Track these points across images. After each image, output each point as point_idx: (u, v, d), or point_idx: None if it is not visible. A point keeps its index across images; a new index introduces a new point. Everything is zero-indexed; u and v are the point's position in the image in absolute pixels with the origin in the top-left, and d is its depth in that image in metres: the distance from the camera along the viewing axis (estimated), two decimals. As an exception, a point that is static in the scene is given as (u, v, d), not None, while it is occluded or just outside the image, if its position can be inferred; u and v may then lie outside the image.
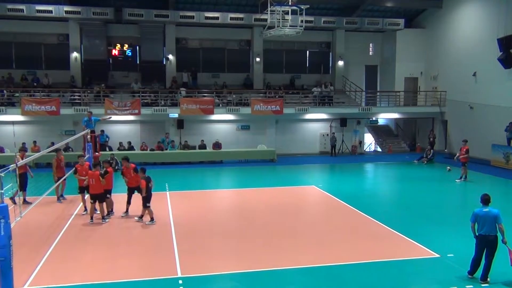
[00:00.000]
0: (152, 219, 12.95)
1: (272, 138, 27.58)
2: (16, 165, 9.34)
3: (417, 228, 12.42)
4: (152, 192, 13.14)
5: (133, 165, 13.73)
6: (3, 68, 26.41)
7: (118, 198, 14.31)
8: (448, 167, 20.77)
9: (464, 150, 19.38)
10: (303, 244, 11.20)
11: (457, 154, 19.84)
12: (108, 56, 27.88)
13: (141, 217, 13.11)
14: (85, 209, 14.06)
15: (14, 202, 13.90)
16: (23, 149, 18.08)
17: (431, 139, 27.42)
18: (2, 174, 8.16)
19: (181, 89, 26.74)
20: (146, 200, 12.86)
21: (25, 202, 14.25)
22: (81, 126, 19.22)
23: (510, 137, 22.78)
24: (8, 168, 8.86)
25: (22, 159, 14.91)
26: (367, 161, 26.41)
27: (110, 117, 22.21)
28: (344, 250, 10.74)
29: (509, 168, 22.28)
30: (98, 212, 13.27)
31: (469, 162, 19.68)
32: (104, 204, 13.21)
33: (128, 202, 13.72)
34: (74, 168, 14.49)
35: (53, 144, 21.96)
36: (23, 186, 14.59)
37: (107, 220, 13.09)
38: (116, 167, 20.16)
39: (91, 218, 13.04)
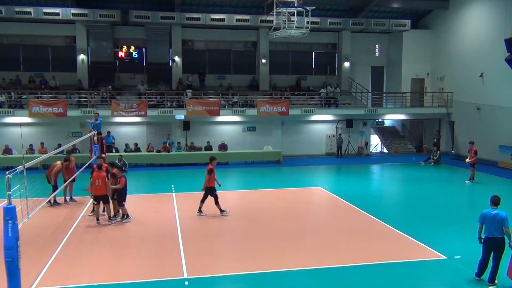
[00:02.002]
0: (126, 216, 13.23)
1: (278, 140, 27.55)
2: (24, 166, 9.38)
3: (424, 229, 12.36)
4: (159, 193, 13.21)
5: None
6: (11, 70, 26.61)
7: (133, 199, 14.44)
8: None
9: (473, 151, 19.29)
10: (309, 246, 11.17)
11: (468, 159, 19.63)
12: (114, 58, 27.99)
13: (123, 216, 13.27)
14: (93, 210, 14.14)
15: (57, 203, 14.84)
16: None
17: (435, 139, 27.33)
18: (10, 176, 8.21)
19: (187, 90, 26.82)
20: (123, 199, 13.09)
21: (56, 203, 15.19)
22: (88, 127, 19.33)
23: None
24: (16, 169, 8.92)
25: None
26: (373, 163, 26.33)
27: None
28: (350, 252, 10.71)
29: (517, 170, 22.14)
30: (105, 213, 13.33)
31: (477, 163, 19.59)
32: (111, 205, 13.23)
33: (202, 201, 14.02)
34: (92, 169, 14.61)
35: (60, 145, 22.10)
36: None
37: (113, 221, 13.13)
38: (124, 168, 20.21)
39: (97, 219, 13.09)
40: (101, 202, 13.08)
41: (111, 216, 13.19)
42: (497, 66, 23.48)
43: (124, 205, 13.18)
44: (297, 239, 11.73)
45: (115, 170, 13.54)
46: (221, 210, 13.94)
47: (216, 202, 13.81)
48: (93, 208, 14.16)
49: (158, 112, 25.09)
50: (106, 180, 12.94)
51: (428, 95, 29.69)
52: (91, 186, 13.31)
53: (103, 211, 13.42)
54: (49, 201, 14.70)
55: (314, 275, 9.33)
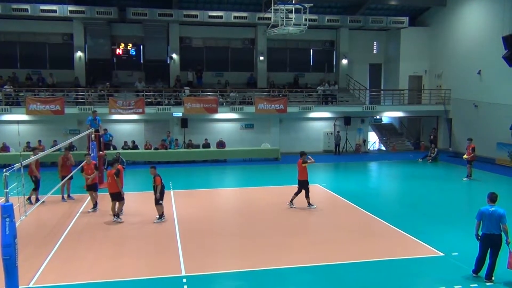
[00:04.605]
0: (160, 216, 13.02)
1: (276, 137, 27.57)
2: (21, 164, 9.36)
3: (422, 226, 12.40)
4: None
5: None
6: (8, 68, 26.51)
7: (131, 197, 14.38)
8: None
9: (471, 148, 19.32)
10: (307, 243, 11.20)
11: (466, 155, 19.63)
12: (112, 56, 27.95)
13: (161, 215, 13.09)
14: (93, 207, 14.16)
15: (31, 202, 14.16)
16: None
17: (432, 136, 27.39)
18: (8, 173, 8.19)
19: (185, 88, 26.78)
20: (160, 197, 12.91)
21: (37, 201, 14.43)
22: (86, 125, 19.29)
23: (515, 135, 22.70)
24: (13, 167, 8.90)
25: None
26: (371, 160, 26.35)
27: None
28: (348, 249, 10.73)
29: (514, 167, 22.19)
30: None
31: (474, 160, 19.63)
32: (120, 202, 13.09)
33: (296, 194, 14.64)
34: (80, 166, 14.62)
35: (55, 142, 22.09)
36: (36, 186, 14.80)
37: (118, 219, 12.97)
38: (123, 166, 20.19)
39: (114, 215, 13.01)
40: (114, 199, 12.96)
41: (119, 213, 13.06)
42: (495, 63, 23.50)
43: (161, 203, 12.96)
44: (295, 236, 11.75)
45: (120, 167, 13.52)
46: (309, 204, 14.54)
47: (307, 195, 14.50)
48: (94, 205, 14.19)
49: (156, 109, 25.06)
50: (116, 178, 12.81)
51: (426, 93, 29.71)
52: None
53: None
54: (34, 199, 14.58)
55: (311, 272, 9.35)
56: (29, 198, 14.44)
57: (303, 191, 14.54)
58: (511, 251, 8.61)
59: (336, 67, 31.01)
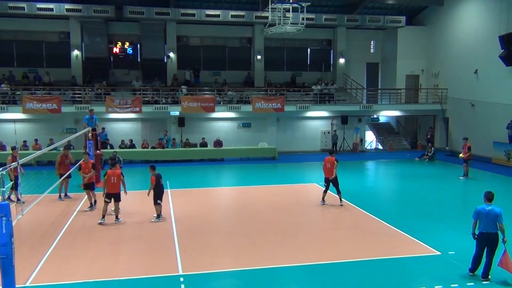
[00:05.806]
0: (158, 215, 12.98)
1: (273, 136, 27.58)
2: (18, 163, 9.35)
3: (419, 225, 12.42)
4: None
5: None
6: (4, 66, 26.38)
7: (128, 196, 14.34)
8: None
9: (467, 147, 19.37)
10: (304, 242, 11.21)
11: (461, 154, 19.68)
12: (109, 54, 27.89)
13: (159, 215, 13.04)
14: (90, 206, 14.11)
15: (12, 201, 13.98)
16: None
17: (429, 135, 27.46)
18: (4, 172, 8.17)
19: (182, 87, 26.75)
20: (157, 197, 12.87)
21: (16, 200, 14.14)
22: (82, 124, 19.24)
23: (511, 135, 22.75)
24: (10, 166, 8.88)
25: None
26: (368, 159, 26.39)
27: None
28: (345, 248, 10.75)
29: (511, 166, 22.19)
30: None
31: (470, 159, 19.68)
32: (119, 203, 12.92)
33: (325, 191, 15.11)
34: (78, 165, 14.59)
35: (51, 140, 22.02)
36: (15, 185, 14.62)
37: (120, 220, 12.84)
38: (119, 165, 20.14)
39: (103, 217, 12.65)
40: (112, 200, 12.67)
41: (118, 215, 12.93)
42: (491, 62, 23.60)
43: (159, 203, 12.91)
44: (292, 235, 11.75)
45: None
46: (341, 200, 14.82)
47: (339, 192, 14.80)
48: (91, 204, 14.15)
49: (153, 108, 25.02)
50: (122, 177, 12.71)
51: (423, 92, 29.78)
52: (105, 183, 12.72)
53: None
54: (12, 198, 14.26)
55: (308, 271, 9.37)
56: (9, 197, 14.09)
57: (324, 188, 15.13)
58: (507, 250, 8.65)
59: (334, 66, 31.04)
